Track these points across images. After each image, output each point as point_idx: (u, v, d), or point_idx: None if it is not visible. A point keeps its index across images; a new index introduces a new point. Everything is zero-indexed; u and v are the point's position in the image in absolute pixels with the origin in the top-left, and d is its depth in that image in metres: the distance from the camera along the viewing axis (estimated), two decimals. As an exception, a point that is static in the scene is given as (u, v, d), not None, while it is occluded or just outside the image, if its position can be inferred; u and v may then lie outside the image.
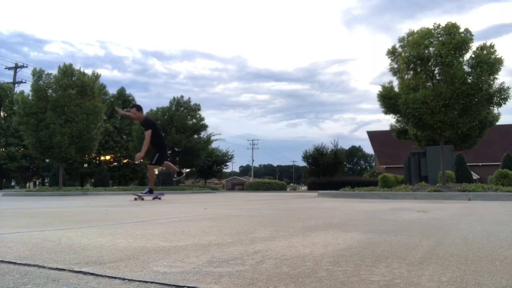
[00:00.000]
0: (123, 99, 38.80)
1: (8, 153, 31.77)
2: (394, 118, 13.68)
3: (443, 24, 10.31)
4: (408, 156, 17.34)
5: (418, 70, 10.40)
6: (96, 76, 16.76)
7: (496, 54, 9.85)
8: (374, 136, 43.54)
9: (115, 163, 38.23)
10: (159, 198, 7.54)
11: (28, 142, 16.03)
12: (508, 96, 9.89)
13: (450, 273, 1.09)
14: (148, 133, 7.46)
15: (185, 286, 0.94)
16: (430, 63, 10.19)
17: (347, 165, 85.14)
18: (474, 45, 10.17)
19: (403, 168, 17.70)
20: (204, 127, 26.98)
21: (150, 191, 7.57)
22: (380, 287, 0.95)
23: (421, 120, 10.28)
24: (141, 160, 36.08)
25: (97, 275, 1.04)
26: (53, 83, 15.83)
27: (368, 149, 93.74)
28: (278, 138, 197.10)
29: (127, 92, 39.61)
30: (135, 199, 7.17)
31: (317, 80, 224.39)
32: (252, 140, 75.35)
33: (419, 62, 10.11)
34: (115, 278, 1.01)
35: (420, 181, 13.82)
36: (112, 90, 39.15)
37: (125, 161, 38.02)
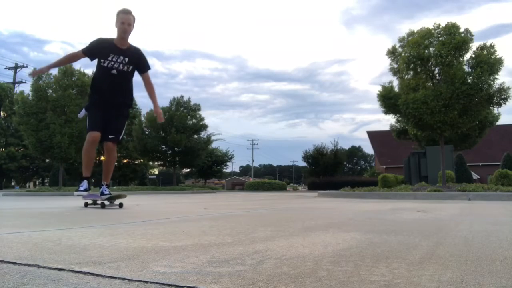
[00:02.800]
0: (123, 99, 38.77)
1: (8, 153, 31.78)
2: (394, 118, 13.70)
3: (443, 24, 10.31)
4: (408, 156, 17.34)
5: (418, 70, 10.41)
6: (96, 76, 16.75)
7: (496, 54, 9.86)
8: (374, 136, 43.53)
9: (115, 163, 38.25)
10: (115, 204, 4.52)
11: (28, 142, 16.05)
12: (508, 96, 9.90)
13: (450, 273, 1.09)
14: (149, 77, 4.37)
15: (185, 286, 0.94)
16: (430, 63, 10.19)
17: (347, 165, 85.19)
18: (474, 45, 10.18)
19: (403, 168, 17.70)
20: (204, 127, 26.99)
21: (107, 188, 4.45)
22: (380, 287, 0.95)
23: (421, 120, 10.29)
24: (141, 160, 36.09)
25: (97, 275, 1.04)
26: (53, 83, 15.85)
27: (368, 149, 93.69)
28: (278, 138, 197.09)
29: (127, 92, 39.62)
30: (86, 204, 4.52)
31: (317, 80, 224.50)
32: (252, 140, 75.24)
33: (419, 62, 10.12)
34: (115, 278, 1.01)
35: (420, 181, 13.82)
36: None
37: (125, 161, 38.02)
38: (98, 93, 4.23)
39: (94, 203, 4.49)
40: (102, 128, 4.19)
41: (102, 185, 4.39)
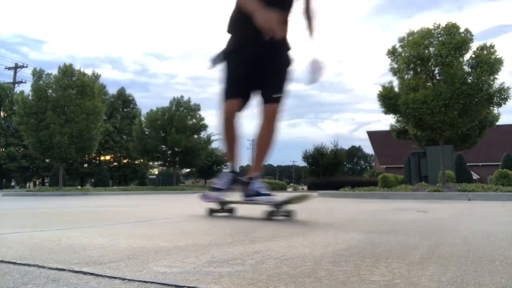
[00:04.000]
0: (123, 99, 38.86)
1: (8, 153, 31.80)
2: (394, 118, 13.70)
3: (443, 24, 10.32)
4: (408, 156, 17.35)
5: (418, 70, 10.42)
6: (96, 76, 16.79)
7: (496, 54, 9.88)
8: (374, 136, 43.56)
9: (115, 163, 38.28)
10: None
11: (28, 142, 16.06)
12: (508, 96, 9.92)
13: (450, 273, 1.09)
14: None
15: (185, 286, 0.94)
16: (430, 63, 10.20)
17: (347, 165, 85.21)
18: (474, 45, 10.20)
19: (403, 168, 17.71)
20: (204, 127, 27.05)
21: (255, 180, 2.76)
22: (380, 287, 0.95)
23: (421, 120, 10.29)
24: (141, 160, 35.97)
25: (97, 275, 1.04)
26: (53, 83, 15.86)
27: (368, 149, 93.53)
28: (278, 138, 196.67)
29: (127, 92, 39.71)
30: (212, 211, 2.96)
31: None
32: (252, 140, 75.37)
33: (419, 62, 10.13)
34: (115, 278, 1.01)
35: (420, 181, 13.82)
36: (112, 90, 39.20)
37: (125, 161, 38.08)
38: (247, 27, 2.51)
39: (222, 208, 2.95)
40: (253, 86, 2.76)
41: (252, 179, 2.73)
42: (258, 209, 2.83)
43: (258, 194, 2.68)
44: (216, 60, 2.81)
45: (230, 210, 2.98)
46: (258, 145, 2.78)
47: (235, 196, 2.88)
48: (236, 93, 2.75)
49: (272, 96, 2.72)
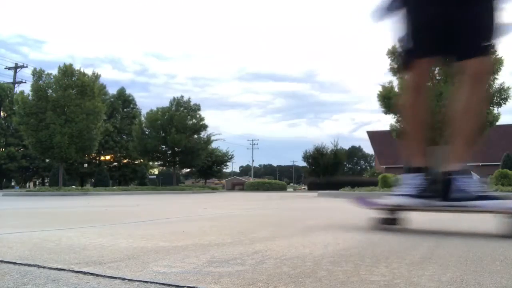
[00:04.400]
0: (123, 99, 38.87)
1: (8, 153, 31.81)
2: (394, 118, 13.70)
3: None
4: (408, 156, 17.33)
5: (418, 70, 10.43)
6: (96, 76, 16.80)
7: (496, 54, 9.89)
8: (374, 136, 43.52)
9: (115, 163, 38.28)
10: None
11: (28, 142, 16.08)
12: (508, 96, 9.93)
13: (450, 273, 1.09)
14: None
15: (185, 286, 0.94)
16: (430, 63, 10.21)
17: (347, 165, 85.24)
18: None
19: (403, 168, 17.69)
20: (204, 127, 27.05)
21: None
22: (380, 287, 0.95)
23: (421, 120, 10.31)
24: (141, 161, 35.91)
25: (97, 275, 1.04)
26: (53, 83, 15.87)
27: (368, 149, 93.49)
28: (278, 138, 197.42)
29: (127, 92, 39.73)
30: (385, 221, 2.07)
31: (316, 80, 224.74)
32: (252, 140, 75.47)
33: (419, 62, 10.15)
34: (115, 278, 1.01)
35: (420, 181, 13.81)
36: (112, 90, 39.19)
37: (125, 161, 38.07)
38: None
39: (392, 219, 2.10)
40: (447, 37, 1.90)
41: (455, 174, 1.97)
42: (440, 218, 2.34)
43: (478, 197, 1.83)
44: (386, 10, 1.93)
45: (395, 221, 2.11)
46: (460, 122, 2.04)
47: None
48: (427, 48, 1.91)
49: (480, 46, 1.84)
